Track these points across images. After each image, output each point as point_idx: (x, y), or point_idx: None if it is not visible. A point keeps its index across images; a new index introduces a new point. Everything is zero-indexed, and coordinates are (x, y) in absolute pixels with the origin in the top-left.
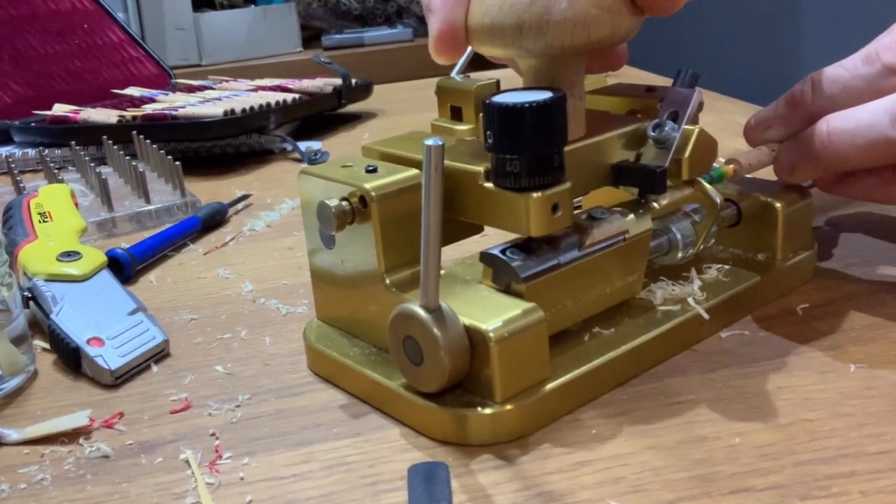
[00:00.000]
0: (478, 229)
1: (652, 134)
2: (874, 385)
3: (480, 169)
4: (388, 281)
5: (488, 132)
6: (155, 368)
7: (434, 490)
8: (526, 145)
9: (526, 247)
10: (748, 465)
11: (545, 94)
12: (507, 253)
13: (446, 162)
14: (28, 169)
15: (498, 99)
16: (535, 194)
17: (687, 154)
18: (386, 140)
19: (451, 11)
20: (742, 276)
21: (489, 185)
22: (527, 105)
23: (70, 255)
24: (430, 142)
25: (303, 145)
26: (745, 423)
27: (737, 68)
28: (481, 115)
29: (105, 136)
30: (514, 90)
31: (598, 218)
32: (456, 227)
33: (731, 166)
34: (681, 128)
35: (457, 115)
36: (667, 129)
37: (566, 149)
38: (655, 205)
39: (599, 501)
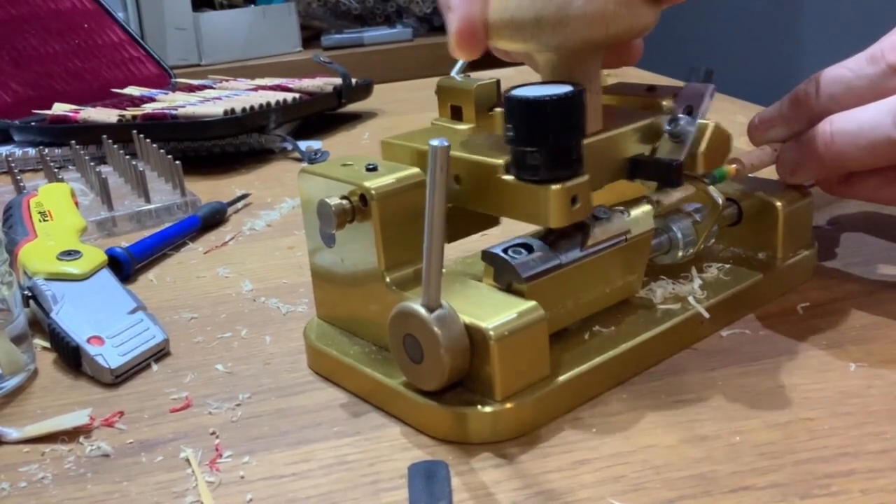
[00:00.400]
0: (494, 221)
1: (667, 128)
2: (874, 384)
3: (500, 161)
4: (388, 279)
5: (509, 125)
6: (155, 367)
7: (434, 488)
8: (546, 138)
9: (528, 246)
10: (748, 464)
11: (566, 88)
12: (509, 252)
13: (466, 155)
14: (28, 168)
15: (519, 92)
16: (554, 186)
17: (702, 148)
18: (406, 134)
19: (471, 7)
20: (742, 275)
21: (509, 177)
22: (548, 98)
23: (70, 254)
24: (435, 142)
25: (303, 145)
26: (745, 422)
27: (738, 68)
28: (497, 109)
29: (105, 136)
30: (534, 84)
31: (600, 218)
32: (472, 219)
33: (734, 166)
34: (696, 122)
35: (457, 114)
36: (682, 123)
37: (584, 142)
38: (651, 206)
39: (599, 500)
